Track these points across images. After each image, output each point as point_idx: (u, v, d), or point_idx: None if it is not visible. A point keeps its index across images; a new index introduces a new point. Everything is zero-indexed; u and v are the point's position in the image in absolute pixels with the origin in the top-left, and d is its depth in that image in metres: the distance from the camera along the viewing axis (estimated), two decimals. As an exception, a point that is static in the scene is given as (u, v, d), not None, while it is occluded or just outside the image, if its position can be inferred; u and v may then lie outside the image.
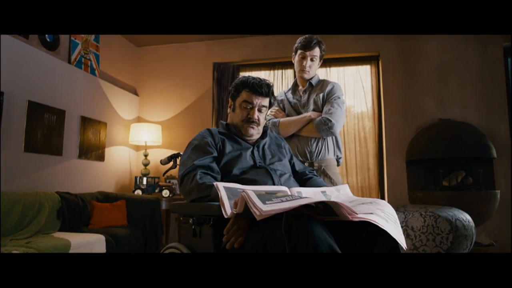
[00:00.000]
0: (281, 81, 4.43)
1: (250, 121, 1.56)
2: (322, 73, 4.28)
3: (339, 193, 1.40)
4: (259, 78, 1.59)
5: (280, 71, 4.46)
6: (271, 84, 1.61)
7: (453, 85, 3.92)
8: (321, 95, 2.20)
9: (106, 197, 3.60)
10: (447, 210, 2.50)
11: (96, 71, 3.96)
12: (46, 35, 3.33)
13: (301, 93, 2.28)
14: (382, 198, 3.97)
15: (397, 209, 2.53)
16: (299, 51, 2.22)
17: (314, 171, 1.77)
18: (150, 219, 3.54)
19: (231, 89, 1.65)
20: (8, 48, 2.84)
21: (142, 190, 4.04)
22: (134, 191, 4.03)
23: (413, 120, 3.95)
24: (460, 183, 3.52)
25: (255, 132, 1.59)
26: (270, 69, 4.50)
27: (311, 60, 2.19)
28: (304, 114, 2.18)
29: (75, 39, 3.69)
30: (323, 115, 2.12)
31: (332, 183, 2.11)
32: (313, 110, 2.20)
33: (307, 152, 2.15)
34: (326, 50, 2.26)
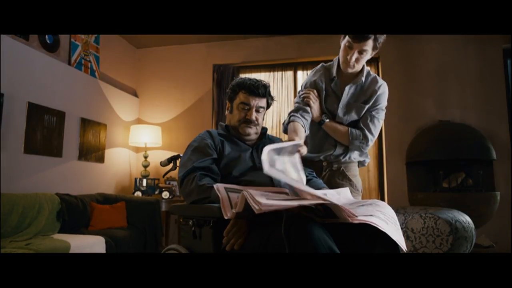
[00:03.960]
0: (281, 83, 4.43)
1: (247, 121, 1.57)
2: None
3: (339, 196, 1.39)
4: (255, 79, 1.60)
5: (280, 72, 4.46)
6: (268, 85, 1.62)
7: (452, 86, 3.93)
8: (366, 105, 1.83)
9: (106, 199, 3.60)
10: (447, 211, 2.50)
11: (96, 73, 3.96)
12: (46, 37, 3.34)
13: (342, 91, 1.85)
14: (382, 199, 3.97)
15: (397, 211, 2.53)
16: (346, 39, 1.71)
17: (314, 173, 1.76)
18: (150, 220, 3.54)
19: (228, 91, 1.64)
20: (8, 49, 2.84)
21: (142, 191, 4.04)
22: (134, 193, 4.03)
23: (413, 121, 3.95)
24: (460, 184, 3.52)
25: (253, 132, 1.59)
26: (270, 71, 4.50)
27: (359, 53, 1.70)
28: (299, 142, 1.46)
29: (75, 40, 3.69)
30: (362, 126, 1.82)
31: (352, 185, 1.86)
32: (353, 120, 1.85)
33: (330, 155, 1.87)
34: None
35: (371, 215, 1.00)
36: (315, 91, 1.86)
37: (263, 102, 1.60)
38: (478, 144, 3.46)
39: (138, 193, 3.99)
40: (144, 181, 4.15)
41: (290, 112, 1.83)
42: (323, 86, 1.87)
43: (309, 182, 1.64)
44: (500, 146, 3.66)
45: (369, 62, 4.21)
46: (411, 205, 3.55)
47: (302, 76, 4.37)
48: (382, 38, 1.68)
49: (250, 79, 1.59)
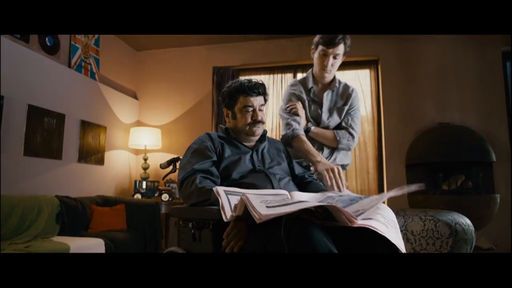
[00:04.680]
0: (280, 85, 4.43)
1: (256, 122, 1.57)
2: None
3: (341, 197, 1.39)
4: (248, 80, 1.60)
5: (279, 75, 4.46)
6: (262, 82, 1.63)
7: (452, 89, 3.93)
8: (345, 107, 2.03)
9: (105, 201, 3.60)
10: (447, 214, 2.49)
11: (96, 75, 3.97)
12: (47, 39, 3.34)
13: (321, 98, 2.05)
14: (382, 202, 3.96)
15: (396, 213, 2.52)
16: (320, 47, 1.92)
17: (314, 175, 1.77)
18: (150, 223, 3.53)
19: (224, 98, 1.64)
20: (9, 52, 2.84)
21: (142, 194, 4.03)
22: (133, 195, 4.02)
23: (413, 124, 3.96)
24: (459, 187, 3.52)
25: (260, 131, 1.61)
26: (269, 73, 4.51)
27: (334, 58, 1.93)
28: (315, 161, 1.73)
29: (75, 43, 3.70)
30: (346, 126, 2.00)
31: None
32: (336, 125, 2.03)
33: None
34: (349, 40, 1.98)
35: (370, 219, 1.00)
36: (299, 103, 2.03)
37: (263, 100, 1.62)
38: (477, 146, 3.46)
39: (138, 196, 3.99)
40: (144, 183, 4.15)
41: (288, 125, 1.96)
42: (304, 97, 2.05)
43: (309, 184, 1.64)
44: (500, 148, 3.66)
45: (368, 64, 4.25)
46: (411, 208, 3.55)
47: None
48: (349, 41, 1.92)
49: (245, 81, 1.60)
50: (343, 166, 2.09)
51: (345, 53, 1.95)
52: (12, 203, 2.61)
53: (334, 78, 2.06)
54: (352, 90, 2.07)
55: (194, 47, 4.67)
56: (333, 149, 2.02)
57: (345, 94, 2.05)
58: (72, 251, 2.48)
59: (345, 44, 1.91)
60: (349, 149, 2.02)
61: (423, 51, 4.05)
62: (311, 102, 2.06)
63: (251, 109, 1.57)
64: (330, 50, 1.89)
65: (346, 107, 2.03)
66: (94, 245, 2.74)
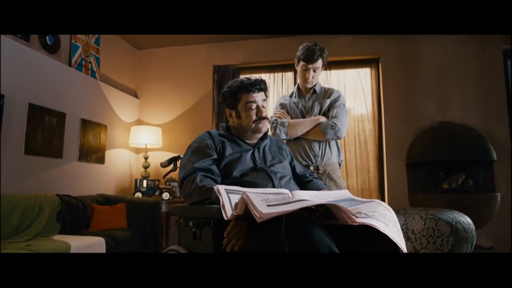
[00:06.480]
0: (281, 84, 4.43)
1: (261, 118, 1.57)
2: (322, 76, 4.28)
3: (340, 197, 1.39)
4: (247, 78, 1.61)
5: (280, 73, 4.46)
6: (262, 78, 1.64)
7: (453, 87, 3.93)
8: (327, 101, 2.22)
9: (106, 200, 3.60)
10: (448, 212, 2.49)
11: (96, 74, 3.97)
12: (47, 38, 3.34)
13: (305, 99, 2.30)
14: (382, 200, 3.95)
15: (397, 212, 2.53)
16: (301, 63, 2.21)
17: (314, 174, 1.77)
18: (150, 221, 3.53)
19: (225, 98, 1.64)
20: (9, 51, 2.84)
21: (142, 192, 4.04)
22: (134, 194, 4.03)
23: (413, 122, 3.95)
24: (460, 185, 3.52)
25: (266, 127, 1.62)
26: (270, 72, 4.50)
27: (314, 71, 2.20)
28: (315, 117, 2.19)
29: (76, 42, 3.70)
30: (329, 118, 2.18)
31: (337, 186, 2.13)
32: (318, 115, 2.24)
33: (311, 156, 2.16)
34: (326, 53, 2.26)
35: (371, 217, 1.00)
36: (284, 111, 2.30)
37: (264, 96, 1.63)
38: (478, 145, 3.46)
39: (139, 194, 3.99)
40: (145, 182, 4.15)
41: (273, 122, 2.24)
42: (289, 103, 2.32)
43: (309, 183, 1.65)
44: (500, 147, 3.66)
45: (369, 63, 4.24)
46: (412, 206, 3.55)
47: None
48: (326, 55, 2.20)
49: (245, 79, 1.61)
50: (339, 164, 2.26)
51: (323, 65, 2.23)
52: (12, 202, 2.62)
53: (315, 85, 2.29)
54: (334, 91, 2.28)
55: (195, 45, 4.67)
56: (324, 146, 2.17)
57: (327, 94, 2.27)
58: (72, 250, 2.48)
59: (322, 58, 2.18)
60: (337, 138, 2.15)
61: (423, 49, 4.05)
62: (296, 105, 2.30)
63: (254, 105, 1.57)
64: (310, 66, 2.17)
65: (328, 101, 2.22)
66: (95, 243, 2.74)
